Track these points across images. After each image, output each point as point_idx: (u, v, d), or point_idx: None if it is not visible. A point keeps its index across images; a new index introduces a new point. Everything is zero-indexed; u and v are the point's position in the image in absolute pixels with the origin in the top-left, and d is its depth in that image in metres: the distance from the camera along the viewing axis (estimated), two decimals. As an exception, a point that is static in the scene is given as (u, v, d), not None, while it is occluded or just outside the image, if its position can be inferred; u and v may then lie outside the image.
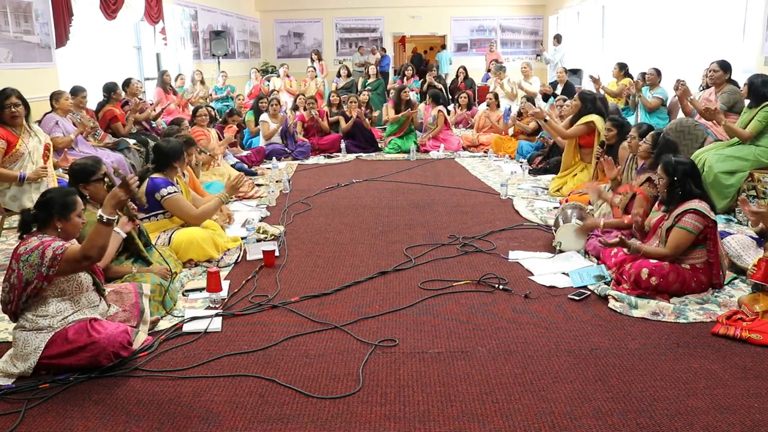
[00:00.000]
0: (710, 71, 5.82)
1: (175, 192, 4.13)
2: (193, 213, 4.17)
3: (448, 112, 10.52)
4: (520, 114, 8.69)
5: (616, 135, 5.21)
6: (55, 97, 5.79)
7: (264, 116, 8.37)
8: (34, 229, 2.78)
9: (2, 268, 4.16)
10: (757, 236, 3.77)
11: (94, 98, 7.14)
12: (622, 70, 8.52)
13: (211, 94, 10.59)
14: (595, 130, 5.89)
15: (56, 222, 2.76)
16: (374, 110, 9.63)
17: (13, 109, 4.36)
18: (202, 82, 10.25)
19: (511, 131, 8.78)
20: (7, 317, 2.86)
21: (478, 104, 11.41)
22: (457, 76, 12.76)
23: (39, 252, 2.64)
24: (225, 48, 12.47)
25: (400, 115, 8.81)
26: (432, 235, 4.78)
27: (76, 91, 6.32)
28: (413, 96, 9.92)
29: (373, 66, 12.23)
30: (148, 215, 4.14)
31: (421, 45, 22.07)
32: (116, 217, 2.76)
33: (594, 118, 5.90)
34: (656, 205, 3.88)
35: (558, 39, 13.29)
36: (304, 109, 9.05)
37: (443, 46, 17.70)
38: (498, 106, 9.44)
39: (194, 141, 5.32)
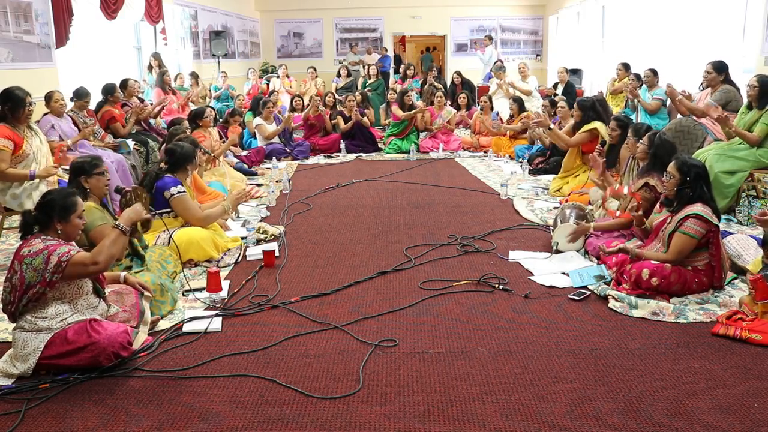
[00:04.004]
0: (705, 72, 5.81)
1: (183, 192, 4.23)
2: (198, 215, 4.26)
3: None
4: (511, 116, 8.68)
5: (620, 135, 5.18)
6: (46, 98, 5.68)
7: (258, 120, 8.36)
8: (36, 230, 2.78)
9: (2, 268, 4.16)
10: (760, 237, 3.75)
11: (94, 98, 7.12)
12: (628, 70, 8.51)
13: (210, 91, 10.58)
14: (598, 137, 5.86)
15: (56, 224, 2.76)
16: (372, 109, 9.59)
17: (30, 108, 4.49)
18: (196, 81, 10.22)
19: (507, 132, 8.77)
20: (6, 317, 2.86)
21: (478, 104, 11.39)
22: (453, 83, 12.68)
23: (44, 257, 2.64)
24: (225, 48, 12.45)
25: (411, 113, 8.81)
26: (432, 235, 4.78)
27: (81, 95, 6.23)
28: (414, 97, 9.91)
29: (374, 66, 12.20)
30: (153, 213, 4.18)
31: (419, 45, 22.22)
32: (132, 228, 2.84)
33: (597, 124, 5.87)
34: (657, 206, 3.87)
35: (489, 38, 13.46)
36: (306, 107, 9.04)
37: (428, 49, 20.59)
38: (492, 108, 9.43)
39: (198, 142, 5.35)
